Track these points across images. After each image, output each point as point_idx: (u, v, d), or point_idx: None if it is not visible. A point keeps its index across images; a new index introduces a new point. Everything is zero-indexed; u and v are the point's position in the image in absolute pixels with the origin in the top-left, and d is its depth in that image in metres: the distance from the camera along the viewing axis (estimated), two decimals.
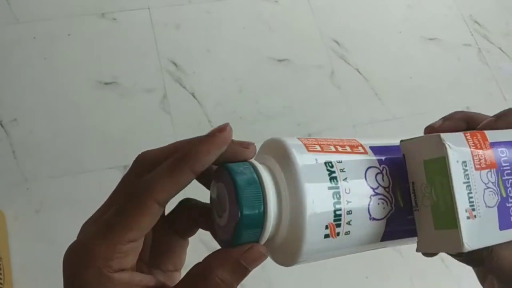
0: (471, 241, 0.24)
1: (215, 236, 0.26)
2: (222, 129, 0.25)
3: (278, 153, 0.24)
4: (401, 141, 0.27)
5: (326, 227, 0.23)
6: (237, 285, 0.24)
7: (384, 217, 0.25)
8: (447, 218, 0.24)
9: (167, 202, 0.24)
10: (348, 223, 0.24)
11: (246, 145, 0.26)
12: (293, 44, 1.32)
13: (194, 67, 1.24)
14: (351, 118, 1.23)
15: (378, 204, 0.25)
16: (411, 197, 0.26)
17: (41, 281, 0.98)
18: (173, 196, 0.24)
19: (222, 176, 0.24)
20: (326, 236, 0.23)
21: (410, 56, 1.36)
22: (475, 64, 1.38)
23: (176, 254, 0.27)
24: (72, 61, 1.21)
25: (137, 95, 1.19)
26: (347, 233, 0.24)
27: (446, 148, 0.25)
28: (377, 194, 0.25)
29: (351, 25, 1.38)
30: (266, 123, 1.20)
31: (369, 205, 0.24)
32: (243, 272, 0.23)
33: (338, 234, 0.23)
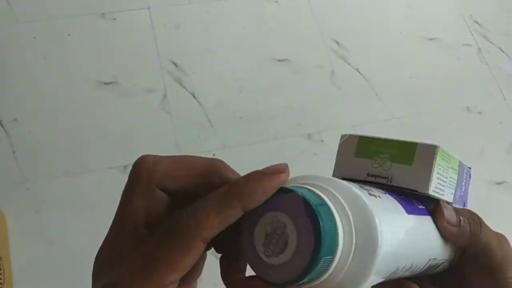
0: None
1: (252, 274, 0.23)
2: (282, 170, 0.23)
3: (347, 196, 0.23)
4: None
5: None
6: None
7: None
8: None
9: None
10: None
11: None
12: (293, 44, 1.32)
13: (194, 67, 1.24)
14: (351, 118, 1.23)
15: None
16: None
17: (41, 281, 0.98)
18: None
19: (286, 205, 0.21)
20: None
21: (410, 56, 1.36)
22: (475, 64, 1.38)
23: (197, 266, 0.26)
24: (72, 61, 1.21)
25: (137, 95, 1.19)
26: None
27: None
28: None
29: (351, 25, 1.38)
30: (266, 123, 1.20)
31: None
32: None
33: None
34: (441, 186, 0.28)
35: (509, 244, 0.30)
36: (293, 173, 0.25)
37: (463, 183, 0.33)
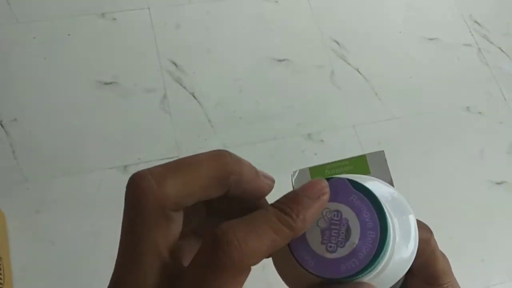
0: None
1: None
2: (324, 190, 0.21)
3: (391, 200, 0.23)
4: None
5: None
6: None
7: None
8: None
9: None
10: None
11: (270, 180, 0.23)
12: (293, 44, 1.32)
13: (194, 67, 1.24)
14: (351, 118, 1.23)
15: None
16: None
17: (41, 281, 0.98)
18: None
19: (336, 192, 0.21)
20: None
21: (410, 56, 1.36)
22: (475, 64, 1.38)
23: None
24: (72, 61, 1.21)
25: (137, 95, 1.19)
26: None
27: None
28: None
29: (351, 25, 1.38)
30: (266, 123, 1.20)
31: None
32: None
33: None
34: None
35: (448, 260, 0.31)
36: None
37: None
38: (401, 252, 0.21)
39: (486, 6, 1.49)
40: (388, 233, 0.20)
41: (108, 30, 1.26)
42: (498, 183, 1.21)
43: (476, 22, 1.45)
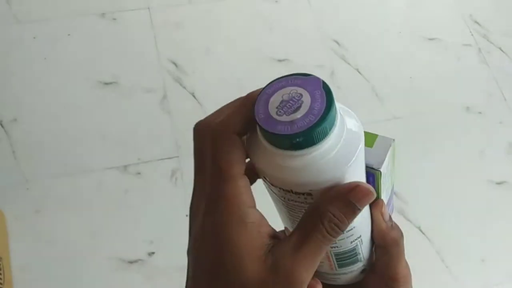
0: None
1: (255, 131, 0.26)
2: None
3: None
4: None
5: None
6: (349, 222, 0.25)
7: None
8: None
9: None
10: None
11: None
12: (293, 44, 1.32)
13: (194, 67, 1.24)
14: None
15: None
16: None
17: (41, 281, 0.98)
18: None
19: (306, 83, 0.26)
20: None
21: (410, 56, 1.36)
22: (475, 64, 1.38)
23: None
24: (72, 61, 1.21)
25: (137, 95, 1.19)
26: None
27: None
28: None
29: (351, 25, 1.38)
30: None
31: None
32: (354, 210, 0.25)
33: None
34: (386, 176, 0.31)
35: (410, 273, 0.32)
36: None
37: (392, 195, 0.35)
38: (351, 142, 0.26)
39: (486, 6, 1.49)
40: (329, 114, 0.25)
41: (108, 30, 1.26)
42: (498, 183, 1.21)
43: (476, 22, 1.45)
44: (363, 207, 0.25)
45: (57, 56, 1.21)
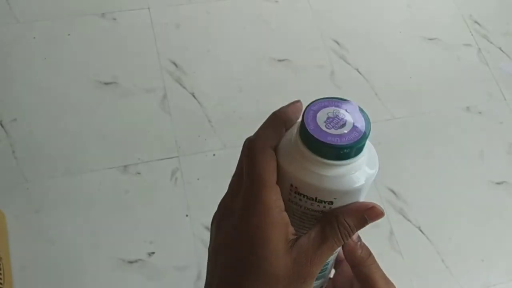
0: None
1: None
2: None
3: None
4: None
5: None
6: (357, 231, 0.30)
7: None
8: None
9: None
10: None
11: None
12: (293, 44, 1.32)
13: (194, 67, 1.24)
14: None
15: None
16: None
17: (41, 281, 0.98)
18: None
19: (344, 104, 0.30)
20: None
21: (410, 56, 1.36)
22: (475, 64, 1.38)
23: None
24: (72, 61, 1.21)
25: (137, 95, 1.19)
26: None
27: None
28: None
29: (351, 25, 1.38)
30: None
31: None
32: (364, 223, 0.30)
33: None
34: None
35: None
36: None
37: None
38: (371, 159, 0.31)
39: (486, 6, 1.49)
40: (367, 133, 0.29)
41: (108, 30, 1.26)
42: (498, 183, 1.21)
43: (476, 22, 1.45)
44: (371, 222, 0.30)
45: (57, 56, 1.21)
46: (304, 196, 0.30)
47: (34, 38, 1.22)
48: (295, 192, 0.30)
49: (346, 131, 0.29)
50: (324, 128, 0.29)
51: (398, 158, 1.21)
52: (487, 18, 1.46)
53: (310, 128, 0.29)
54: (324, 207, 0.30)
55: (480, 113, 1.31)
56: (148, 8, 1.30)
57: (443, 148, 1.24)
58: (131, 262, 1.01)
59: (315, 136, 0.29)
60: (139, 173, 1.09)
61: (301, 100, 0.32)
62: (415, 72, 1.34)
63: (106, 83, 1.19)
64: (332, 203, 0.30)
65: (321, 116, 0.30)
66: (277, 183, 0.30)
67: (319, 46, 1.33)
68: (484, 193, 1.20)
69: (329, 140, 0.28)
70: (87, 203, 1.06)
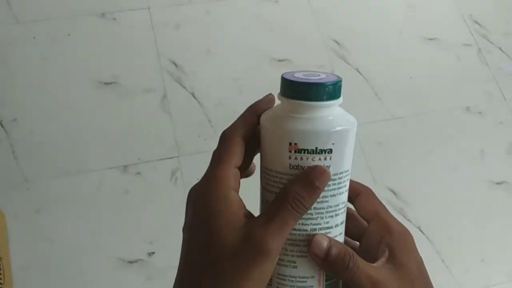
0: None
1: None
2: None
3: None
4: None
5: None
6: (310, 200, 0.30)
7: None
8: None
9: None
10: None
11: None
12: (293, 44, 1.32)
13: (194, 67, 1.24)
14: None
15: None
16: None
17: (41, 281, 0.98)
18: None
19: (323, 74, 0.33)
20: None
21: (410, 56, 1.36)
22: (475, 64, 1.38)
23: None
24: (72, 61, 1.21)
25: (137, 95, 1.19)
26: None
27: None
28: None
29: (351, 25, 1.38)
30: None
31: None
32: (313, 188, 0.30)
33: None
34: None
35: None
36: None
37: None
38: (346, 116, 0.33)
39: (486, 6, 1.49)
40: (339, 82, 0.32)
41: (108, 30, 1.26)
42: (498, 183, 1.22)
43: (476, 22, 1.45)
44: (322, 186, 0.30)
45: (57, 56, 1.21)
46: (305, 151, 0.31)
47: (34, 38, 1.22)
48: (295, 151, 0.31)
49: (323, 77, 0.32)
50: (303, 77, 0.31)
51: (398, 158, 1.21)
52: (487, 18, 1.46)
53: (291, 78, 0.31)
54: (325, 158, 0.31)
55: (480, 113, 1.31)
56: (148, 8, 1.30)
57: (443, 148, 1.24)
58: (131, 262, 1.01)
59: (298, 80, 0.31)
60: (139, 173, 1.09)
61: None
62: (415, 72, 1.34)
63: (106, 83, 1.19)
64: (331, 151, 0.31)
65: (299, 74, 0.32)
66: (277, 156, 0.31)
67: (319, 46, 1.33)
68: (484, 193, 1.20)
69: (311, 80, 0.31)
70: (87, 203, 1.06)
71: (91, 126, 1.14)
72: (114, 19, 1.27)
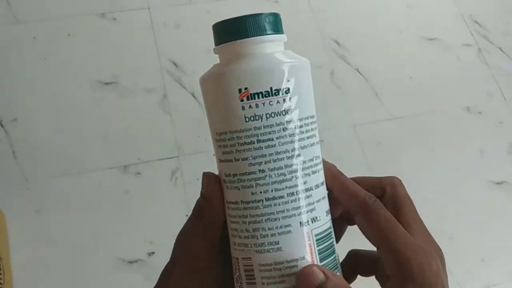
0: None
1: None
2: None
3: None
4: None
5: None
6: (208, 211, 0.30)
7: None
8: None
9: None
10: None
11: None
12: (293, 44, 1.32)
13: (194, 67, 1.24)
14: (351, 118, 1.23)
15: None
16: None
17: (41, 281, 0.98)
18: None
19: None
20: None
21: (410, 56, 1.36)
22: (475, 64, 1.38)
23: None
24: (72, 61, 1.21)
25: (137, 95, 1.19)
26: None
27: None
28: None
29: (351, 25, 1.38)
30: None
31: None
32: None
33: None
34: None
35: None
36: None
37: None
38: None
39: (486, 6, 1.49)
40: (279, 17, 0.30)
41: (108, 30, 1.26)
42: (498, 183, 1.21)
43: (476, 22, 1.45)
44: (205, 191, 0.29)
45: (57, 56, 1.21)
46: (259, 95, 0.26)
47: (34, 38, 1.22)
48: (248, 98, 0.26)
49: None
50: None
51: (398, 158, 1.21)
52: (487, 18, 1.46)
53: (224, 19, 0.27)
54: (285, 100, 0.26)
55: (480, 113, 1.31)
56: (148, 8, 1.30)
57: (443, 148, 1.24)
58: (131, 262, 1.01)
59: (232, 18, 0.27)
60: (139, 173, 1.09)
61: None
62: (415, 72, 1.34)
63: (106, 83, 1.19)
64: (289, 90, 0.26)
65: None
66: (227, 113, 0.27)
67: (319, 46, 1.33)
68: (484, 193, 1.20)
69: (251, 15, 0.27)
70: (87, 203, 1.06)
71: (91, 126, 1.14)
72: (114, 19, 1.27)
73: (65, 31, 1.24)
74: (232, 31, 0.27)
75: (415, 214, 0.29)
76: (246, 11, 1.32)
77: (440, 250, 0.29)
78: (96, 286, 0.99)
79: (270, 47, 0.27)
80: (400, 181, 0.30)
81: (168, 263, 0.31)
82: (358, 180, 0.29)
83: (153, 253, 1.02)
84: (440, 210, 1.16)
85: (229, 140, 0.28)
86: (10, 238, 1.00)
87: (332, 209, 0.29)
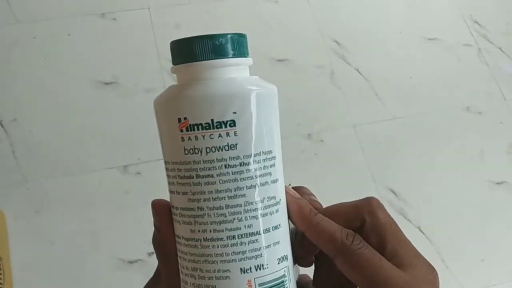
0: None
1: None
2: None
3: None
4: None
5: None
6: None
7: None
8: None
9: None
10: None
11: None
12: (293, 44, 1.32)
13: None
14: (351, 118, 1.23)
15: None
16: None
17: (41, 281, 0.98)
18: None
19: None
20: None
21: (410, 56, 1.36)
22: (475, 64, 1.38)
23: None
24: (72, 61, 1.21)
25: (137, 95, 1.19)
26: None
27: None
28: None
29: (351, 25, 1.38)
30: None
31: None
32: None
33: None
34: None
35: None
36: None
37: None
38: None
39: (486, 6, 1.49)
40: (245, 38, 0.25)
41: (108, 30, 1.26)
42: (498, 183, 1.21)
43: (476, 22, 1.45)
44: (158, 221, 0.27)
45: (57, 56, 1.21)
46: (198, 127, 0.23)
47: (34, 38, 1.22)
48: (187, 129, 0.24)
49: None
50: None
51: (398, 158, 1.21)
52: (487, 18, 1.46)
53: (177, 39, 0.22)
54: (228, 134, 0.23)
55: (480, 113, 1.31)
56: (148, 8, 1.30)
57: (443, 148, 1.24)
58: (131, 262, 1.01)
59: (182, 38, 0.23)
60: (139, 173, 1.09)
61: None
62: (415, 72, 1.34)
63: (106, 83, 1.19)
64: (234, 123, 0.23)
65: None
66: (169, 143, 0.25)
67: (319, 46, 1.33)
68: (484, 193, 1.20)
69: (202, 36, 0.23)
70: (87, 203, 1.06)
71: (91, 126, 1.14)
72: (114, 19, 1.27)
73: (65, 31, 1.24)
74: (182, 53, 0.24)
75: (400, 237, 0.27)
76: (246, 11, 1.33)
77: (433, 270, 0.27)
78: (96, 286, 0.99)
79: (228, 72, 0.24)
80: (378, 202, 0.27)
81: (151, 278, 0.31)
82: (334, 211, 0.27)
83: (153, 253, 1.02)
84: (440, 210, 1.16)
85: (171, 171, 0.26)
86: (10, 238, 1.00)
87: (309, 248, 0.28)
